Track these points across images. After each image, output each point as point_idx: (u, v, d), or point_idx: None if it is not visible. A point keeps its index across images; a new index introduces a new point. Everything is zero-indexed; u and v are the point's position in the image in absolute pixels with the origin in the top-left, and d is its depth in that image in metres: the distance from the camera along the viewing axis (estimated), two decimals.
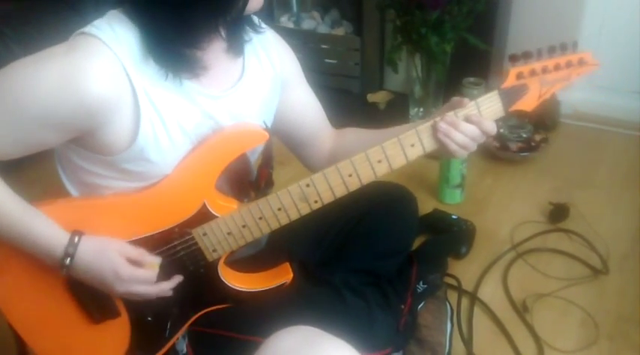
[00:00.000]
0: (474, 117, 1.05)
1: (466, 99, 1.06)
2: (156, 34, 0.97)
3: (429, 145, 1.07)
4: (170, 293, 1.10)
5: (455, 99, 1.08)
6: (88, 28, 0.97)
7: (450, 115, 1.05)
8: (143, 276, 1.05)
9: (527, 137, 2.34)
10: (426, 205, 2.00)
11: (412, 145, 1.07)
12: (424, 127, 1.06)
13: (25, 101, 0.93)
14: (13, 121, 0.95)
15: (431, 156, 1.10)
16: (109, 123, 0.97)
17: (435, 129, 1.06)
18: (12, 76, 0.95)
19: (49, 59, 0.94)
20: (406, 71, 2.47)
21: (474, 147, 1.08)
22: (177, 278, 1.11)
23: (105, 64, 0.93)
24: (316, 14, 2.88)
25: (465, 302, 1.68)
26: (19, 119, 0.95)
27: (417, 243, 1.65)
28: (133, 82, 0.96)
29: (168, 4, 0.95)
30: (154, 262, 1.07)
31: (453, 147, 1.05)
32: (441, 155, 1.11)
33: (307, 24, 2.87)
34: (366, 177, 1.07)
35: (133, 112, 0.98)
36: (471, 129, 1.05)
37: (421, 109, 2.48)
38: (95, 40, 0.94)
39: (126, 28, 0.97)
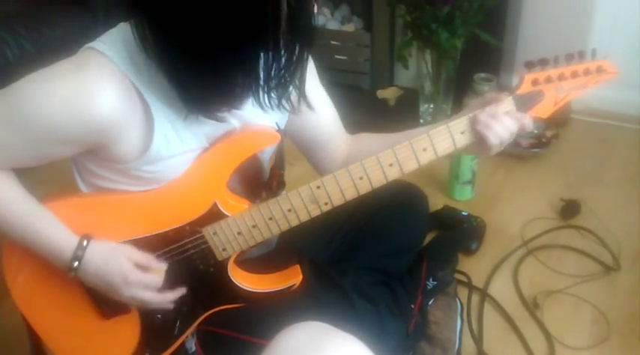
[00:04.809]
0: (514, 113, 1.06)
1: (502, 95, 1.07)
2: (195, 98, 0.96)
3: (442, 150, 1.07)
4: (170, 306, 1.12)
5: (492, 94, 1.08)
6: (96, 44, 0.96)
7: (491, 108, 1.05)
8: (150, 281, 1.07)
9: (538, 133, 2.33)
10: (436, 202, 2.00)
11: (424, 150, 1.06)
12: (436, 131, 1.06)
13: (36, 121, 0.94)
14: (26, 138, 0.97)
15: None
16: (120, 138, 0.97)
17: (473, 121, 1.06)
18: (22, 95, 0.95)
19: (58, 79, 0.94)
20: (416, 67, 2.46)
21: (507, 141, 1.07)
22: (180, 291, 1.12)
23: (114, 84, 0.93)
24: (326, 10, 2.86)
25: (475, 298, 1.68)
26: (31, 137, 0.96)
27: (427, 239, 1.65)
28: (144, 97, 0.97)
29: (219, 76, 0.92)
30: (160, 267, 1.08)
31: (492, 139, 1.05)
32: (467, 152, 1.11)
33: (317, 20, 2.86)
34: (377, 180, 1.07)
35: (145, 125, 0.99)
36: (512, 122, 1.06)
37: (431, 105, 2.48)
38: (103, 58, 0.94)
39: (139, 56, 0.94)
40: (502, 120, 1.05)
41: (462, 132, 1.07)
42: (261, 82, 0.96)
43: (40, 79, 0.95)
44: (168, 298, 1.11)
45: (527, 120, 1.07)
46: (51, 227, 1.03)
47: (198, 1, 0.83)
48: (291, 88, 1.03)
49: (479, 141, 1.07)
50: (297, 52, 0.95)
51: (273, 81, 0.97)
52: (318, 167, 1.32)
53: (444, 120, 1.10)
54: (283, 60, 0.95)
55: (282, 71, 0.96)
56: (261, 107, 1.00)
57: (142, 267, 1.06)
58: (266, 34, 0.88)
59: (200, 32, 0.86)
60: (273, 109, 1.02)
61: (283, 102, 1.03)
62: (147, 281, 1.06)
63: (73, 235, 1.03)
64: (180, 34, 0.87)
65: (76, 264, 1.02)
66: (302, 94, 1.07)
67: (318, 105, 1.22)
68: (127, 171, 1.02)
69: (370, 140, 1.28)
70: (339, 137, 1.30)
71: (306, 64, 1.01)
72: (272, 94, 1.00)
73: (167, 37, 0.89)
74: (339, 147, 1.29)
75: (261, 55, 0.93)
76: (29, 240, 1.03)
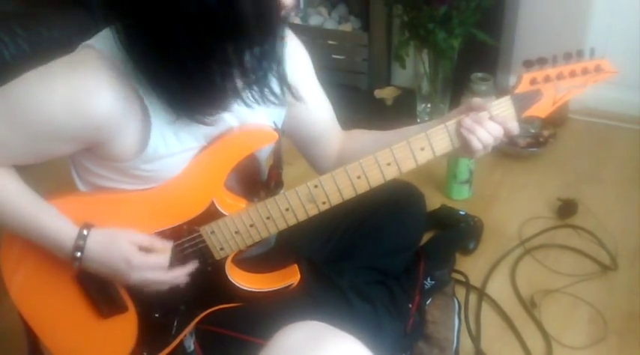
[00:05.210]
0: (498, 117, 1.06)
1: (488, 104, 1.07)
2: (179, 102, 0.96)
3: (439, 149, 1.07)
4: (185, 280, 1.11)
5: (476, 100, 1.08)
6: (94, 41, 0.97)
7: (475, 113, 1.06)
8: (155, 262, 1.06)
9: (536, 132, 2.33)
10: (433, 201, 2.00)
11: (422, 149, 1.06)
12: (434, 131, 1.06)
13: (37, 119, 0.95)
14: (25, 136, 0.97)
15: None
16: (118, 135, 0.98)
17: (458, 125, 1.06)
18: (22, 94, 0.96)
19: (57, 77, 0.95)
20: (414, 67, 2.46)
21: (492, 145, 1.08)
22: (192, 265, 1.11)
23: (112, 81, 0.94)
24: (323, 10, 2.87)
25: (472, 298, 1.68)
26: (31, 134, 0.97)
27: (424, 239, 1.66)
28: (141, 95, 0.97)
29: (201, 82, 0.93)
30: (165, 247, 1.07)
31: (475, 143, 1.05)
32: (454, 154, 1.11)
33: (314, 20, 2.87)
34: (375, 179, 1.07)
35: (142, 123, 0.99)
36: (496, 127, 1.06)
37: (428, 105, 2.48)
38: (101, 56, 0.95)
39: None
40: (486, 125, 1.05)
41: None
42: (239, 78, 0.96)
43: (40, 77, 0.96)
44: (179, 273, 1.09)
45: (513, 124, 1.07)
46: (53, 219, 1.03)
47: (158, 5, 0.84)
48: (272, 79, 1.02)
49: (463, 145, 1.07)
50: (268, 42, 0.94)
51: (252, 75, 0.96)
52: (313, 163, 1.33)
53: (440, 119, 1.10)
54: (257, 52, 0.95)
55: (258, 63, 0.96)
56: (246, 104, 1.00)
57: (146, 249, 1.05)
58: (231, 29, 0.87)
59: (166, 34, 0.86)
60: (259, 104, 1.02)
61: (267, 94, 1.02)
62: (152, 263, 1.06)
63: (73, 226, 1.03)
64: (150, 39, 0.88)
65: (78, 254, 1.02)
66: (284, 82, 1.06)
67: (314, 102, 1.22)
68: (125, 170, 1.03)
69: (363, 136, 1.29)
70: (334, 133, 1.31)
71: (281, 53, 1.01)
72: (254, 88, 1.00)
73: (140, 42, 0.89)
74: (334, 143, 1.30)
75: (233, 50, 0.92)
76: (32, 231, 1.03)
